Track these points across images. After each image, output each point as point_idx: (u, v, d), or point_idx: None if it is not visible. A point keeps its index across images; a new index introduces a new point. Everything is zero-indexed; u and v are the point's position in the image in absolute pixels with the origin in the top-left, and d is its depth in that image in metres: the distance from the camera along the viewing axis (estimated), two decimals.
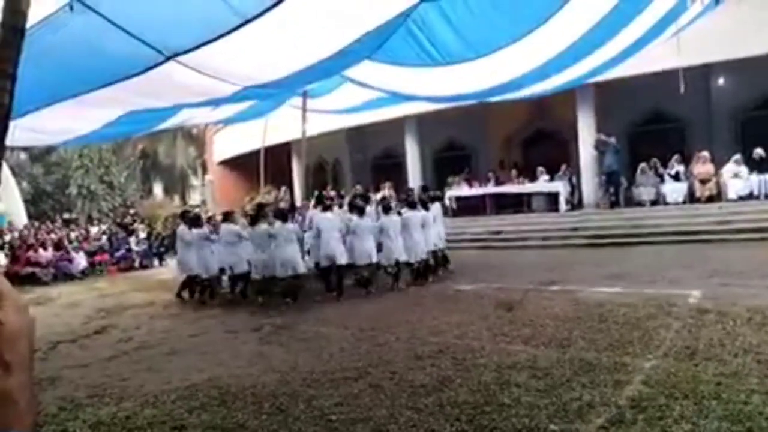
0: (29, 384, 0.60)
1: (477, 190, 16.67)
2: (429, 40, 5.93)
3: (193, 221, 9.74)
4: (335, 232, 8.73)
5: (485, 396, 3.95)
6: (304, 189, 13.57)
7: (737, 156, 13.21)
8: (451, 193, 17.04)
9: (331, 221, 8.89)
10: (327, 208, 9.33)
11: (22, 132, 6.59)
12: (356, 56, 6.06)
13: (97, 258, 16.10)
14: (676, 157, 14.22)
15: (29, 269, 13.91)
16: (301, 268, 8.61)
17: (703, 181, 13.41)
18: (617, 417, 3.41)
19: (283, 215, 8.85)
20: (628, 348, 4.78)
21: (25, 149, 27.89)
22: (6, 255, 14.33)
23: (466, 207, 16.55)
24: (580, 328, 5.55)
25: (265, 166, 13.63)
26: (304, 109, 9.95)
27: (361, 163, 22.66)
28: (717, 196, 13.27)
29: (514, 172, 16.94)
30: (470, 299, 7.60)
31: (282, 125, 12.63)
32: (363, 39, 5.39)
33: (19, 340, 0.59)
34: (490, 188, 16.42)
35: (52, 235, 16.77)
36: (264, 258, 8.57)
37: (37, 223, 20.52)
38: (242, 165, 20.99)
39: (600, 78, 10.33)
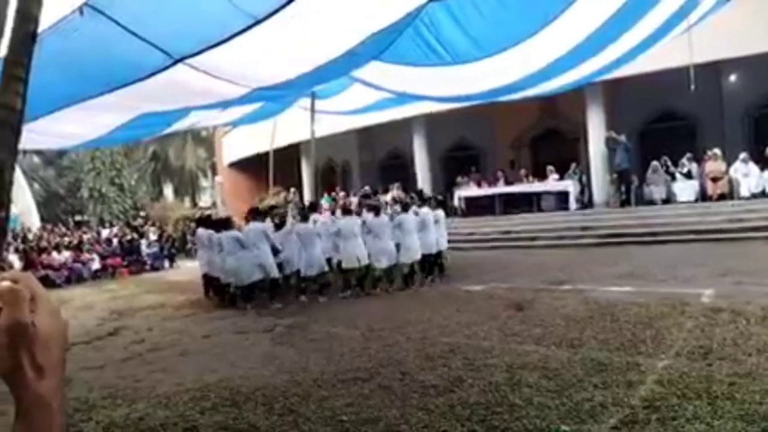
0: (60, 387, 0.61)
1: (486, 190, 16.63)
2: (437, 40, 5.93)
3: (304, 214, 9.34)
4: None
5: (496, 396, 3.94)
6: (313, 190, 13.62)
7: (744, 154, 13.09)
8: (460, 193, 17.02)
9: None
10: (406, 207, 9.88)
11: (34, 135, 6.66)
12: (365, 57, 6.07)
13: (109, 260, 16.25)
14: (688, 155, 14.11)
15: (43, 272, 14.05)
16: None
17: (715, 179, 13.30)
18: (630, 417, 3.38)
19: (406, 206, 9.36)
20: (640, 348, 4.74)
21: (37, 152, 28.19)
22: (20, 258, 14.48)
23: (476, 207, 16.51)
24: (592, 327, 5.52)
25: (275, 167, 13.69)
26: (313, 111, 9.98)
27: (370, 164, 22.69)
28: (729, 194, 13.15)
29: (523, 171, 16.90)
30: (480, 299, 7.58)
31: (291, 127, 12.68)
32: (371, 39, 5.40)
33: (52, 344, 0.60)
34: (500, 188, 16.38)
35: (66, 238, 16.96)
36: (387, 247, 8.75)
37: (50, 226, 20.76)
38: (252, 167, 21.09)
39: (609, 76, 10.27)
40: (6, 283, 0.59)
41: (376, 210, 9.38)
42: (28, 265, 14.14)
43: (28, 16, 1.85)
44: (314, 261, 8.61)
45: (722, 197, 13.15)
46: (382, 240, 8.79)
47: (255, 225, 8.73)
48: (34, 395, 0.58)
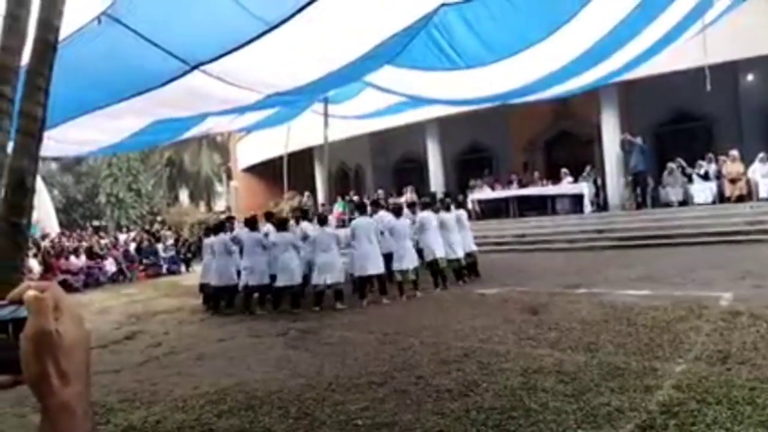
0: (86, 394, 0.62)
1: (500, 193, 16.57)
2: (450, 45, 5.93)
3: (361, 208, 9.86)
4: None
5: (512, 401, 3.92)
6: (327, 194, 13.72)
7: (762, 155, 12.90)
8: (474, 196, 16.97)
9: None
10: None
11: (52, 142, 6.77)
12: (378, 61, 6.10)
13: (127, 264, 16.45)
14: (709, 155, 13.92)
15: (61, 276, 14.26)
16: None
17: (733, 181, 13.11)
18: (648, 422, 3.35)
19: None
20: (657, 352, 4.69)
21: (55, 159, 28.63)
22: (39, 263, 14.71)
23: (490, 210, 16.46)
24: (608, 331, 5.47)
25: (288, 172, 13.75)
26: (326, 115, 10.02)
27: (383, 168, 22.73)
28: (747, 196, 12.96)
29: (537, 173, 16.81)
30: (495, 303, 7.54)
31: (304, 131, 12.76)
32: (384, 44, 5.42)
33: (77, 351, 0.61)
34: (514, 190, 16.30)
35: (84, 243, 17.20)
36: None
37: (68, 232, 21.05)
38: (266, 171, 21.22)
39: (624, 77, 10.19)
40: (32, 292, 0.60)
41: (447, 207, 9.81)
42: (47, 269, 14.37)
43: (49, 26, 1.88)
44: (409, 254, 8.85)
45: (740, 199, 12.96)
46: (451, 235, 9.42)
47: (362, 220, 8.91)
48: (60, 402, 0.59)
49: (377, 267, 8.48)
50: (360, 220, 8.87)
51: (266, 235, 9.12)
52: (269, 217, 10.25)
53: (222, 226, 9.93)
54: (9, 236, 1.73)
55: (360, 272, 8.46)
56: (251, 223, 9.27)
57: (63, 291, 0.64)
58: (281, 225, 9.08)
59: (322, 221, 8.93)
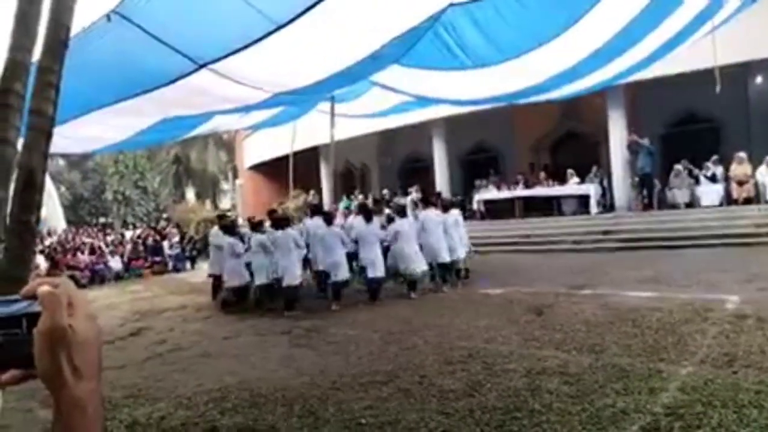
0: (97, 391, 0.62)
1: (506, 193, 16.52)
2: (457, 44, 5.92)
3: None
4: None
5: (516, 402, 3.92)
6: (332, 193, 13.75)
7: None
8: (479, 196, 16.95)
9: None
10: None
11: (59, 139, 6.80)
12: (385, 61, 6.09)
13: (133, 261, 16.53)
14: (714, 157, 13.85)
15: (68, 272, 14.33)
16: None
17: (740, 183, 13.02)
18: (652, 425, 3.34)
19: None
20: (662, 354, 4.67)
21: (63, 156, 28.81)
22: (46, 259, 14.80)
23: (495, 210, 16.42)
24: (613, 333, 5.46)
25: (294, 170, 13.76)
26: (333, 114, 10.02)
27: (389, 167, 22.72)
28: (755, 198, 12.88)
29: (543, 174, 16.76)
30: (500, 303, 7.54)
31: (310, 130, 12.77)
32: (392, 43, 5.42)
33: (89, 347, 0.61)
34: (519, 191, 16.26)
35: (89, 239, 17.32)
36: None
37: (74, 229, 21.17)
38: (272, 169, 21.24)
39: (631, 78, 10.14)
40: (46, 287, 0.61)
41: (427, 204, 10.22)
42: (53, 265, 14.45)
43: (60, 24, 1.89)
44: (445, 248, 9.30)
45: (748, 201, 12.88)
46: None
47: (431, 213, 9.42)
48: (72, 398, 0.59)
49: (444, 257, 9.11)
50: (429, 213, 9.47)
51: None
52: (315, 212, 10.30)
53: (261, 224, 9.66)
54: (18, 233, 1.75)
55: (434, 260, 9.05)
56: (328, 217, 9.29)
57: (75, 287, 0.64)
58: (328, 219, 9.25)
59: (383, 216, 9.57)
